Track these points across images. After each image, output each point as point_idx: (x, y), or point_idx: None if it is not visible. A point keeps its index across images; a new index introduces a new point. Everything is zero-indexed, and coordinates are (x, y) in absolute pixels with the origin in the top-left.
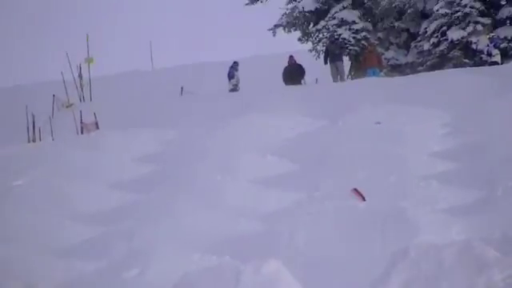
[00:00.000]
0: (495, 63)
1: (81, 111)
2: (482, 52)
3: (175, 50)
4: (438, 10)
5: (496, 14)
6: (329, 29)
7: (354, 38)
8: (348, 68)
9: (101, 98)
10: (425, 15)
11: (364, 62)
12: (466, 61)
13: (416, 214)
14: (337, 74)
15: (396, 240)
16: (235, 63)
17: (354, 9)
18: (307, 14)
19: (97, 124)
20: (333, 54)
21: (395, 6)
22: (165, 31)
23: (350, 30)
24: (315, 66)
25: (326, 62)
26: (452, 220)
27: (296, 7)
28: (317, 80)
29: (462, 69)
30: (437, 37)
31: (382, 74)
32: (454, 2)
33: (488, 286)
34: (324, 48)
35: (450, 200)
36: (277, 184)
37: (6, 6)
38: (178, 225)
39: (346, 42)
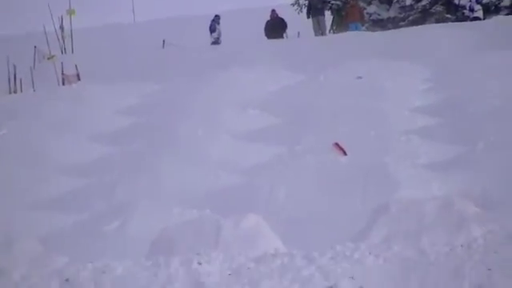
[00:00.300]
0: (477, 18)
1: (62, 63)
2: (464, 7)
3: (157, 2)
4: None
5: None
6: None
7: None
8: (330, 22)
9: (82, 50)
10: None
11: (346, 17)
12: (448, 16)
13: (397, 169)
14: (319, 29)
15: (377, 195)
16: (217, 16)
17: None
18: None
19: (78, 76)
20: (315, 8)
21: None
22: None
23: None
24: (297, 20)
25: (308, 16)
26: (433, 175)
27: None
28: (299, 34)
29: (444, 24)
30: None
31: (363, 28)
32: None
33: (468, 240)
34: (306, 2)
35: (431, 155)
36: (258, 138)
37: None
38: (159, 178)
39: None
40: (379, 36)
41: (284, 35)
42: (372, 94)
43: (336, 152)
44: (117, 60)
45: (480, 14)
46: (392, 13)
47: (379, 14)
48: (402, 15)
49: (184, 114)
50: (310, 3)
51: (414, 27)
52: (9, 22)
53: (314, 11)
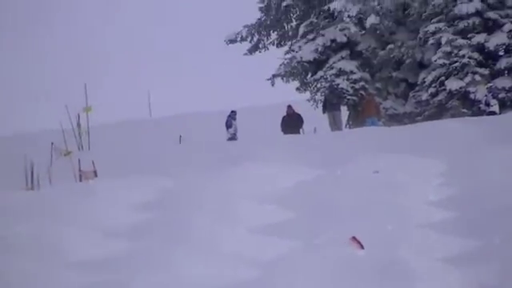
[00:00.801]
0: (493, 113)
1: (79, 159)
2: (480, 102)
3: (173, 98)
4: (436, 61)
5: (494, 65)
6: (327, 78)
7: (352, 87)
8: (346, 117)
9: (99, 147)
10: (423, 65)
11: (362, 112)
12: (465, 111)
13: (414, 263)
14: (335, 124)
15: None
16: (233, 112)
17: (352, 59)
18: (305, 64)
19: (95, 172)
20: (331, 103)
21: (393, 57)
22: (163, 80)
23: (348, 79)
24: (313, 116)
25: (324, 112)
26: (449, 269)
27: (294, 57)
28: (315, 129)
29: (460, 119)
30: (435, 87)
31: (380, 123)
32: (452, 53)
33: None
34: (322, 97)
35: (448, 249)
36: (275, 232)
37: (5, 54)
38: (175, 274)
39: (344, 91)
40: (395, 131)
41: (301, 131)
42: (388, 189)
43: (353, 246)
44: (133, 156)
45: (496, 108)
46: (408, 108)
47: (395, 109)
48: (418, 110)
49: (200, 208)
50: (325, 98)
51: (430, 122)
52: (26, 119)
53: (330, 106)
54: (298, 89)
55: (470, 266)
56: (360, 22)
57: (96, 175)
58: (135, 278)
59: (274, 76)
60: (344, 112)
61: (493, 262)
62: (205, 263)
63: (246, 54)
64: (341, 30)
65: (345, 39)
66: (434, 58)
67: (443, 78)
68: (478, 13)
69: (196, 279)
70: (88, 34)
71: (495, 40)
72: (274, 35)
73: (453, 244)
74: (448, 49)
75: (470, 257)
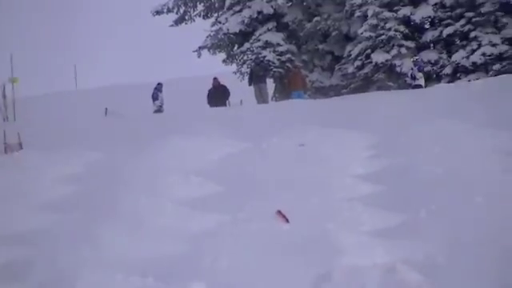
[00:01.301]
0: (419, 86)
1: (4, 131)
2: (406, 75)
3: (99, 70)
4: (362, 33)
5: (420, 38)
6: (253, 51)
7: (278, 60)
8: (273, 90)
9: (25, 119)
10: (349, 38)
11: (288, 84)
12: (390, 84)
13: (339, 237)
14: (261, 96)
15: (319, 263)
16: (159, 84)
17: (278, 31)
18: (232, 36)
19: (20, 144)
20: (257, 75)
21: (320, 29)
22: (89, 52)
23: (274, 52)
24: (240, 88)
25: (250, 84)
26: (376, 242)
27: (221, 29)
28: (241, 102)
29: (386, 91)
30: (361, 60)
31: (306, 96)
32: (378, 26)
33: None
34: (249, 70)
35: (374, 222)
36: (201, 205)
37: None
38: (102, 246)
39: (270, 63)
40: (321, 103)
41: (227, 103)
42: (315, 162)
43: (278, 220)
44: (59, 128)
45: (422, 81)
46: (334, 80)
47: (322, 82)
48: (344, 83)
49: (126, 182)
50: (252, 71)
51: (356, 94)
52: None
53: (256, 79)
54: (224, 61)
55: (396, 240)
56: None
57: (21, 147)
58: (61, 251)
59: (201, 48)
60: (270, 84)
61: (419, 236)
62: (131, 237)
63: (172, 26)
64: (267, 1)
65: (271, 11)
66: (360, 31)
67: (369, 50)
68: None
69: (122, 253)
70: (17, 5)
71: (421, 13)
72: (200, 7)
73: (379, 217)
74: (374, 21)
75: (396, 230)
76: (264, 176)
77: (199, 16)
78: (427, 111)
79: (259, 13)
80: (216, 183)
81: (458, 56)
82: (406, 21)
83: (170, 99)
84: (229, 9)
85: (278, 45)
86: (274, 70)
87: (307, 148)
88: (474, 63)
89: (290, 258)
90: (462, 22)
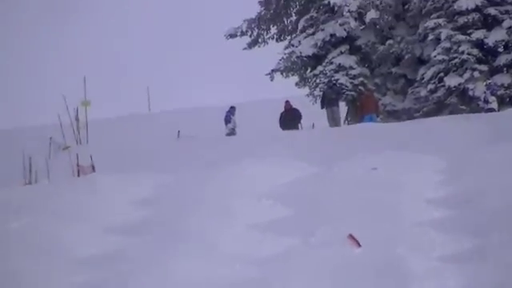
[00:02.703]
0: (492, 110)
1: (77, 154)
2: (478, 99)
3: (172, 93)
4: (435, 57)
5: (493, 61)
6: (326, 74)
7: (351, 83)
8: (345, 113)
9: (97, 141)
10: (422, 61)
11: (361, 108)
12: (463, 107)
13: (411, 262)
14: (333, 119)
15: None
16: (232, 108)
17: (351, 54)
18: (305, 59)
19: (93, 167)
20: (329, 98)
21: (392, 52)
22: (162, 74)
23: (347, 75)
24: (312, 111)
25: (322, 107)
26: (447, 268)
27: (294, 52)
28: (313, 125)
29: (459, 115)
30: (434, 83)
31: (378, 119)
32: (451, 49)
33: None
34: (321, 93)
35: (445, 248)
36: (271, 229)
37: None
38: (173, 270)
39: (343, 87)
40: (394, 127)
41: (299, 126)
42: (386, 186)
43: (350, 244)
44: (131, 151)
45: (495, 105)
46: (407, 104)
47: (394, 105)
48: (416, 106)
49: (197, 204)
50: (324, 94)
51: (429, 118)
52: (25, 114)
53: (329, 102)
54: (297, 84)
55: (467, 265)
56: (360, 16)
57: (94, 170)
58: (133, 274)
59: (274, 71)
60: (343, 108)
61: (491, 262)
62: (202, 261)
63: (245, 49)
64: (340, 24)
65: (344, 34)
66: (433, 54)
67: (442, 74)
68: (477, 8)
69: (193, 277)
70: (88, 30)
71: (494, 36)
72: (273, 29)
73: (451, 243)
74: (447, 45)
75: (467, 256)
76: (335, 200)
77: (272, 39)
78: (500, 135)
79: (332, 35)
80: (287, 207)
81: None
82: (480, 44)
83: (242, 122)
84: (302, 31)
85: (351, 68)
86: (347, 93)
87: (379, 172)
88: None
89: (362, 283)
90: None
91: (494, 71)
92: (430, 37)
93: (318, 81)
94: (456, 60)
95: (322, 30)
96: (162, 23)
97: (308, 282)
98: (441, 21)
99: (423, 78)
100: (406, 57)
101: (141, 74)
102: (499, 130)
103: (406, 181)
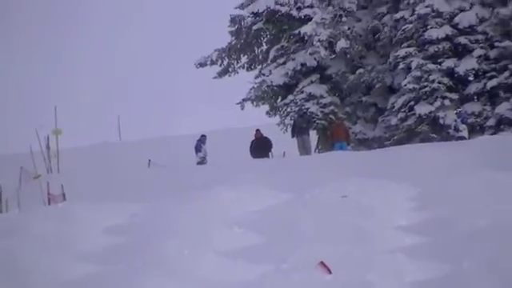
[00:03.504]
0: (462, 138)
1: (48, 182)
2: (449, 127)
3: (143, 122)
4: (406, 85)
5: (464, 90)
6: (297, 103)
7: (321, 111)
8: (316, 142)
9: (68, 170)
10: (393, 90)
11: (332, 136)
12: (434, 135)
13: None
14: (304, 148)
15: None
16: (203, 136)
17: (321, 83)
18: (275, 88)
19: (64, 195)
20: (300, 127)
21: (363, 81)
22: (133, 103)
23: (317, 104)
24: (283, 140)
25: (293, 136)
26: None
27: (264, 81)
28: (284, 153)
29: (430, 143)
30: (404, 111)
31: (349, 147)
32: (422, 77)
33: None
34: (292, 122)
35: (417, 274)
36: (244, 256)
37: None
38: None
39: (313, 115)
40: (364, 155)
41: (269, 154)
42: (357, 213)
43: (321, 271)
44: (102, 180)
45: (465, 133)
46: (377, 132)
47: (365, 134)
48: (387, 134)
49: (170, 233)
50: (295, 122)
51: (399, 146)
52: None
53: (299, 131)
54: (267, 113)
55: None
56: (330, 45)
57: (65, 199)
58: None
59: (244, 100)
60: (313, 136)
61: (463, 287)
62: (175, 287)
63: (215, 78)
64: (311, 53)
65: (315, 63)
66: (403, 83)
67: (413, 102)
68: (448, 38)
69: None
70: (57, 57)
71: (465, 65)
72: (244, 59)
73: (423, 269)
74: (418, 73)
75: (439, 282)
76: (306, 227)
77: (243, 68)
78: (470, 163)
79: (303, 65)
80: (259, 234)
81: (502, 108)
82: (450, 73)
83: (213, 150)
84: (272, 61)
85: (322, 97)
86: (317, 121)
87: (350, 199)
88: None
89: None
90: (506, 74)
91: (465, 100)
92: (401, 66)
93: (288, 109)
94: (427, 88)
95: (293, 59)
96: (131, 52)
97: None
98: (411, 50)
99: (394, 107)
100: (377, 85)
101: (111, 102)
102: (469, 158)
103: (377, 208)
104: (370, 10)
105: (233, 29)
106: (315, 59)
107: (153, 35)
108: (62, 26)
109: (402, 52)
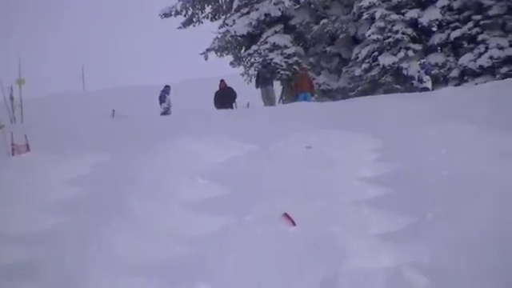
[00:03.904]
0: (426, 89)
1: (12, 133)
2: (412, 78)
3: (107, 72)
4: (369, 36)
5: (427, 41)
6: (260, 53)
7: (285, 62)
8: (280, 92)
9: (32, 120)
10: (357, 41)
11: (295, 87)
12: (397, 86)
13: (346, 239)
14: (268, 99)
15: (326, 266)
16: (167, 87)
17: (285, 33)
18: (239, 39)
19: (28, 146)
20: (264, 78)
21: (327, 32)
22: (97, 53)
23: (281, 54)
24: (247, 90)
25: (257, 86)
26: (382, 245)
27: (228, 31)
28: (248, 104)
29: (393, 94)
30: (368, 62)
31: (313, 98)
32: (385, 28)
33: None
34: (256, 72)
35: (381, 226)
36: (207, 207)
37: None
38: (108, 248)
39: (277, 66)
40: (328, 106)
41: (233, 105)
42: (321, 164)
43: (285, 222)
44: (66, 130)
45: (429, 84)
46: (341, 83)
47: (329, 84)
48: (351, 85)
49: (133, 183)
50: (259, 73)
51: (364, 97)
52: None
53: (263, 81)
54: (231, 63)
55: (402, 243)
56: None
57: (29, 149)
58: (68, 252)
59: (208, 50)
60: (277, 87)
61: (426, 239)
62: (137, 238)
63: (180, 28)
64: (275, 4)
65: (279, 13)
66: (367, 33)
67: (376, 53)
68: None
69: (128, 254)
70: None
71: (428, 15)
72: (208, 9)
73: (386, 220)
74: (382, 24)
75: (403, 233)
76: (270, 178)
77: (207, 18)
78: (434, 114)
79: (267, 15)
80: (222, 185)
81: (466, 59)
82: (414, 23)
83: (177, 101)
84: (236, 11)
85: (286, 47)
86: (281, 72)
87: (314, 150)
88: (481, 66)
89: (296, 261)
90: (470, 24)
91: (428, 50)
92: (365, 16)
93: (252, 60)
94: (390, 39)
95: (257, 9)
96: (98, 2)
97: (243, 259)
98: (375, 0)
99: (358, 57)
100: (341, 36)
101: (76, 52)
102: (433, 109)
103: (341, 159)
104: None
105: None
106: (279, 9)
107: None
108: None
109: (365, 2)
